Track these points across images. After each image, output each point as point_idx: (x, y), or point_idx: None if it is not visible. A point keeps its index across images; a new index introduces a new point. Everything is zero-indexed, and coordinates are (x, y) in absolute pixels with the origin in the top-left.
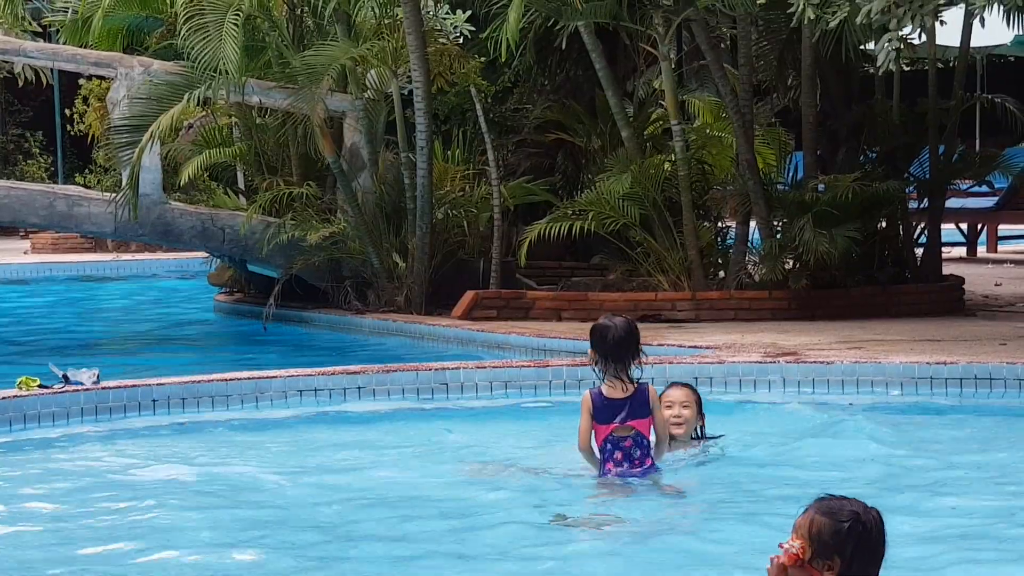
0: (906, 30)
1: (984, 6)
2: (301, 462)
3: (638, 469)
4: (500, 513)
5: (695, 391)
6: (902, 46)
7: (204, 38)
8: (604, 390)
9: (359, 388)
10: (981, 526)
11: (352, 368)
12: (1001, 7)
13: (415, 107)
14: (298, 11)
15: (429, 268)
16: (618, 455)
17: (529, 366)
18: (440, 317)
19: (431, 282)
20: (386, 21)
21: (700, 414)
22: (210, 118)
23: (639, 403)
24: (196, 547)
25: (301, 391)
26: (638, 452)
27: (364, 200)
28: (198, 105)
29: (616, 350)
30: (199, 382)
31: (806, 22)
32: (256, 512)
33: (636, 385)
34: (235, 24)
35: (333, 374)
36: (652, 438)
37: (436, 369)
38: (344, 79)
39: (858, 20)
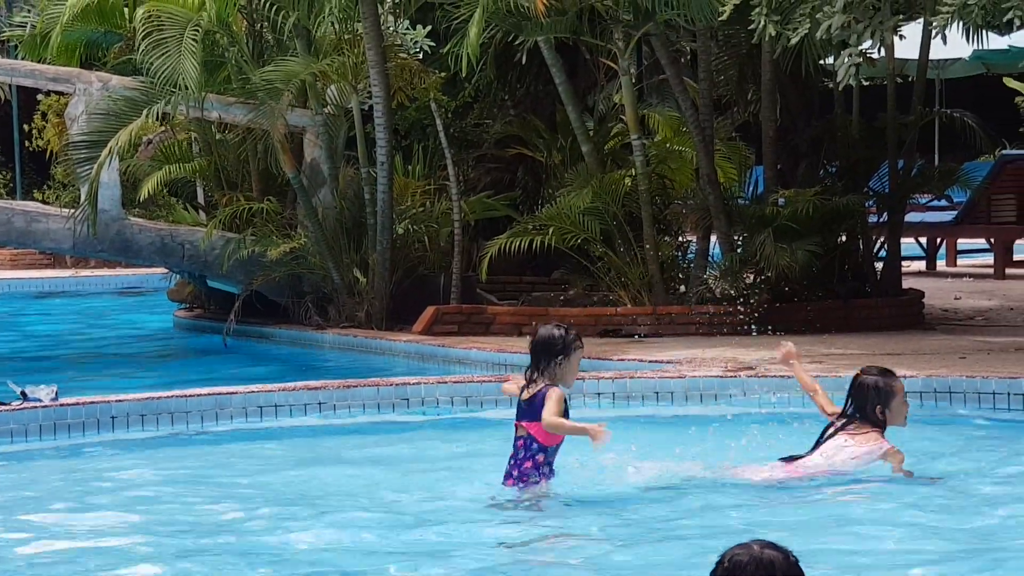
0: (866, 44)
1: (945, 24)
2: (261, 478)
3: (511, 484)
4: (457, 527)
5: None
6: (861, 61)
7: (163, 53)
8: (523, 391)
9: (320, 404)
10: (939, 536)
11: (313, 384)
12: (961, 23)
13: (375, 122)
14: (258, 26)
15: (390, 283)
16: (511, 451)
17: (490, 381)
18: (401, 332)
19: (392, 297)
20: (346, 36)
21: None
22: (169, 133)
23: (536, 406)
24: (156, 564)
25: (261, 407)
26: (522, 454)
27: (325, 215)
28: (157, 120)
29: (529, 355)
30: (158, 399)
31: (767, 38)
32: (216, 528)
33: (540, 389)
34: (194, 39)
35: (294, 390)
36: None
37: (397, 384)
38: (304, 94)
39: (818, 36)
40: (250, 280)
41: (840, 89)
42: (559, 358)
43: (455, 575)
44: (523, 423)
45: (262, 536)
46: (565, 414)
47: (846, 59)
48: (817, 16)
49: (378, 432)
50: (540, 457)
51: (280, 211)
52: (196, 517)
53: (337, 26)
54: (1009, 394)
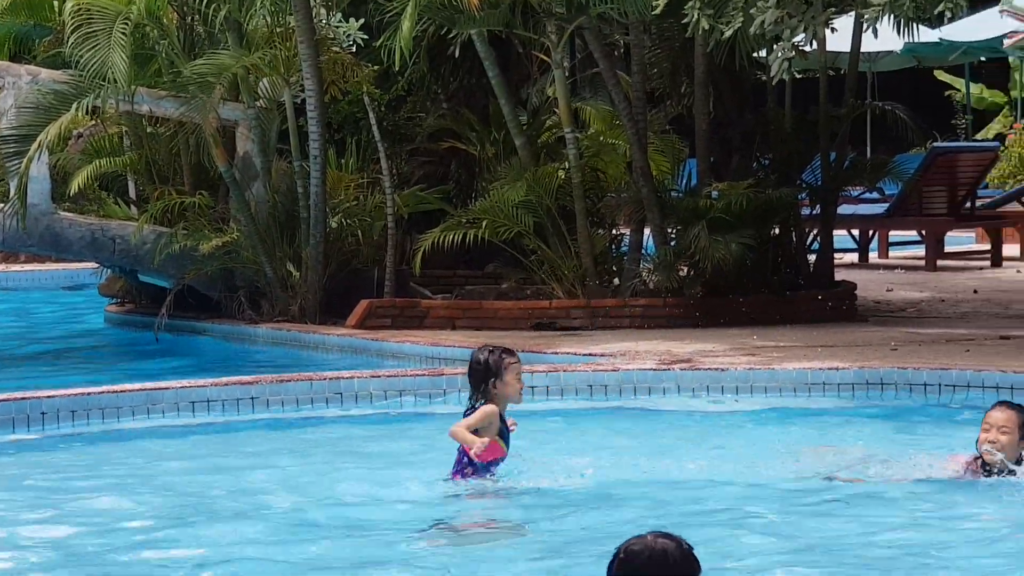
0: (799, 38)
1: (876, 17)
2: (193, 474)
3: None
4: (389, 520)
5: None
6: (794, 55)
7: (93, 47)
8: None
9: (252, 399)
10: (869, 528)
11: (245, 378)
12: (892, 17)
13: (308, 116)
14: (189, 19)
15: (323, 277)
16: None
17: (424, 375)
18: (334, 326)
19: (325, 291)
20: (278, 29)
21: None
22: (100, 127)
23: None
24: (87, 559)
25: (193, 402)
26: (456, 467)
27: (257, 209)
28: (87, 114)
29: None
30: (89, 394)
31: (700, 32)
32: (147, 524)
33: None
34: (124, 33)
35: (226, 385)
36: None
37: (330, 378)
38: (236, 88)
39: (752, 31)
40: (182, 275)
41: (774, 83)
42: (492, 380)
43: (388, 566)
44: None
45: (197, 532)
46: (503, 434)
47: (779, 54)
48: (751, 11)
49: (312, 426)
50: (469, 470)
51: (212, 205)
52: (127, 512)
53: (269, 19)
54: (940, 385)
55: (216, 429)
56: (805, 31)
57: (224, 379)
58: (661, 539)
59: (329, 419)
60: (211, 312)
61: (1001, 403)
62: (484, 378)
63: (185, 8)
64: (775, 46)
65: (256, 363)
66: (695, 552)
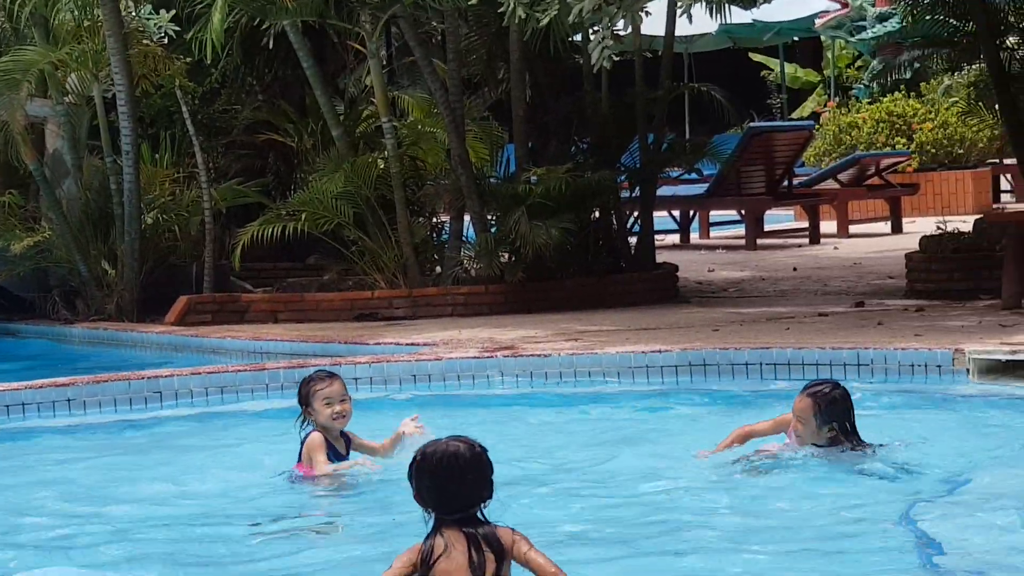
0: (617, 25)
1: (691, 3)
2: (5, 477)
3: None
4: (214, 520)
5: (826, 399)
6: (612, 42)
7: None
8: None
9: (68, 400)
10: (693, 506)
11: (61, 380)
12: (704, 2)
13: (119, 110)
14: None
15: (140, 274)
16: None
17: (246, 370)
18: (153, 324)
19: (143, 288)
20: (86, 23)
21: (829, 423)
22: None
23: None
24: None
25: (8, 406)
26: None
27: (69, 207)
28: None
29: None
30: None
31: (516, 22)
32: None
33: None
34: None
35: (41, 387)
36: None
37: (149, 377)
38: (44, 84)
39: (570, 19)
40: None
41: (595, 70)
42: (305, 408)
43: (212, 566)
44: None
45: (12, 540)
46: (332, 454)
47: (599, 43)
48: (568, 0)
49: (131, 428)
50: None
51: (23, 204)
52: None
53: (76, 13)
54: (761, 364)
55: (32, 433)
56: (624, 18)
57: (39, 381)
58: (454, 442)
59: (148, 420)
60: (24, 313)
61: (804, 389)
62: (302, 406)
63: None
64: (591, 34)
65: (72, 364)
66: (488, 455)
